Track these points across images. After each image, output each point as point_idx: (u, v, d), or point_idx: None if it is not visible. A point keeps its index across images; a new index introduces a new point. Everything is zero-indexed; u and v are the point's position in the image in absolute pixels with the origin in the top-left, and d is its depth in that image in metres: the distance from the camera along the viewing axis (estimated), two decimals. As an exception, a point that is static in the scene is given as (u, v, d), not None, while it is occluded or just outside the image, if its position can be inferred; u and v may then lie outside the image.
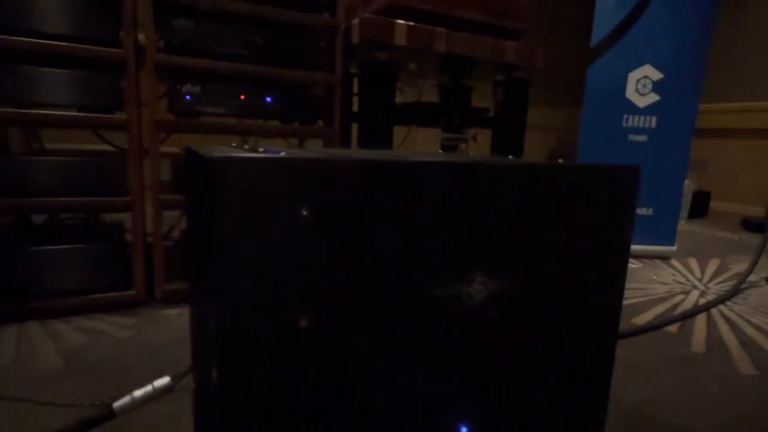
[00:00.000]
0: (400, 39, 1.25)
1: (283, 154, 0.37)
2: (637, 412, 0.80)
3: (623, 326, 1.15)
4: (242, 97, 1.14)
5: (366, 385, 0.38)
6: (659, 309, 1.30)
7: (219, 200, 0.32)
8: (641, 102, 1.79)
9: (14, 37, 0.93)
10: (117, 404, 0.61)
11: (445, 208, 0.39)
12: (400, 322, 0.39)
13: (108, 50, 1.01)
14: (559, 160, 0.52)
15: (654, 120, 1.80)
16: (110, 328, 1.01)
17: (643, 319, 1.23)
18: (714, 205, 3.11)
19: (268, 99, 1.17)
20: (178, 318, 1.09)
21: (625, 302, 1.35)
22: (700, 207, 3.05)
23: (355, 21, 1.23)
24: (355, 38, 1.25)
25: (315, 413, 0.36)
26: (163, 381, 0.64)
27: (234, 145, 0.60)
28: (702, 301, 1.38)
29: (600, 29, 1.76)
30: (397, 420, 0.40)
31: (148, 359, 0.89)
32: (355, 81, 1.42)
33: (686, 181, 2.87)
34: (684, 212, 3.01)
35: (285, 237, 0.33)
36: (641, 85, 1.78)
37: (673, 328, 1.17)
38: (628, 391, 0.86)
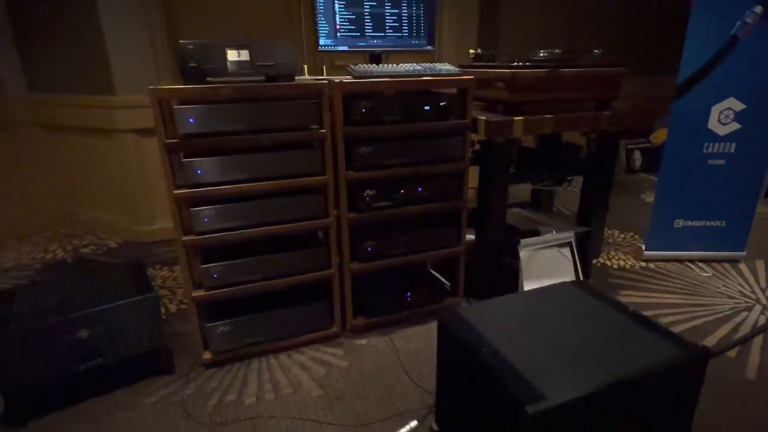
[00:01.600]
0: (517, 131, 1.58)
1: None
2: (698, 424, 1.22)
3: (692, 351, 1.53)
4: (402, 191, 1.55)
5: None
6: (723, 330, 1.66)
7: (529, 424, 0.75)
8: (722, 131, 1.99)
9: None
10: (394, 437, 1.12)
11: (618, 401, 0.82)
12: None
13: (316, 179, 1.45)
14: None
15: (734, 146, 2.01)
16: (332, 359, 1.55)
17: (708, 342, 1.60)
18: (794, 180, 3.18)
19: (419, 189, 1.57)
20: (366, 347, 1.61)
21: (693, 323, 1.71)
22: (778, 184, 3.14)
23: (482, 120, 1.57)
24: (480, 134, 1.59)
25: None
26: (413, 423, 1.13)
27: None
28: (762, 319, 1.71)
29: (687, 67, 1.93)
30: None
31: (371, 385, 1.41)
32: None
33: None
34: (762, 190, 3.12)
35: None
36: (724, 115, 1.97)
37: (732, 353, 1.54)
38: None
